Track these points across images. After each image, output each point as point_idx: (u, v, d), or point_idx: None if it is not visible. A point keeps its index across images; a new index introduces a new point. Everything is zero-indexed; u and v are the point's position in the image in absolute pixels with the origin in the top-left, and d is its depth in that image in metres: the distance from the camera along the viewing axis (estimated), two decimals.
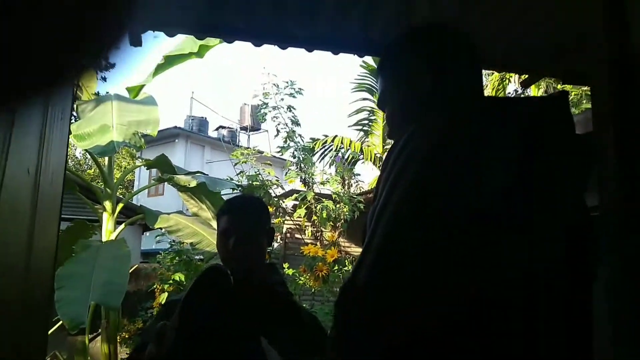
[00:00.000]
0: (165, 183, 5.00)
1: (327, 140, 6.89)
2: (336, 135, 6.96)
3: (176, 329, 1.03)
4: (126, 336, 4.79)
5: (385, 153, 0.78)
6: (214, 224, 4.92)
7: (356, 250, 5.13)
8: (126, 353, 4.56)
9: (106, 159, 4.67)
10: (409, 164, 0.67)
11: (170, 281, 4.47)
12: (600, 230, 0.91)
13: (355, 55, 2.21)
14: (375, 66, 5.22)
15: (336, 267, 4.57)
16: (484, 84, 0.86)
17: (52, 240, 1.15)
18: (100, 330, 4.32)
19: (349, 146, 6.95)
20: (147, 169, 6.85)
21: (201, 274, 1.10)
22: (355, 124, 7.70)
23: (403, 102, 0.85)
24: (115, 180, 4.85)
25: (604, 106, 0.97)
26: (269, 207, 4.90)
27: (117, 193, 4.82)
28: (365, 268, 0.66)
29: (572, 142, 0.75)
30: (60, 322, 3.21)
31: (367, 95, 7.32)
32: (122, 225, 4.63)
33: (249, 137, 16.79)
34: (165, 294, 4.42)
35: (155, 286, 4.80)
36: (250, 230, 1.28)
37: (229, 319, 1.08)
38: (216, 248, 1.31)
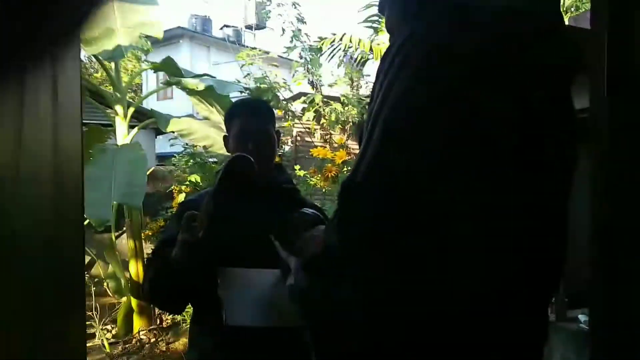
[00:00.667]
0: (174, 86, 5.01)
1: (335, 39, 6.68)
2: (344, 34, 6.71)
3: (209, 213, 1.13)
4: (149, 234, 5.11)
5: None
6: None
7: None
8: (151, 248, 4.90)
9: (113, 62, 4.64)
10: (405, 66, 0.72)
11: (187, 182, 4.67)
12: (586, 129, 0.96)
13: None
14: None
15: (345, 169, 4.70)
16: None
17: (77, 146, 1.24)
18: (125, 228, 4.61)
19: (358, 45, 6.74)
20: (154, 72, 6.78)
21: (229, 161, 1.18)
22: (365, 21, 7.39)
23: (400, 5, 0.87)
24: (124, 84, 4.86)
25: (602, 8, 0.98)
26: (277, 110, 4.94)
27: (127, 97, 4.85)
28: (364, 163, 0.74)
29: (560, 42, 0.79)
30: (87, 221, 3.45)
31: None
32: (135, 129, 4.72)
33: (254, 36, 16.23)
34: (183, 195, 4.64)
35: (172, 188, 5.02)
36: (265, 132, 1.33)
37: (251, 208, 1.19)
38: (228, 150, 1.37)
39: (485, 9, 0.77)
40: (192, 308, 1.41)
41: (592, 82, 0.99)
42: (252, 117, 1.34)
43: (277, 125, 1.45)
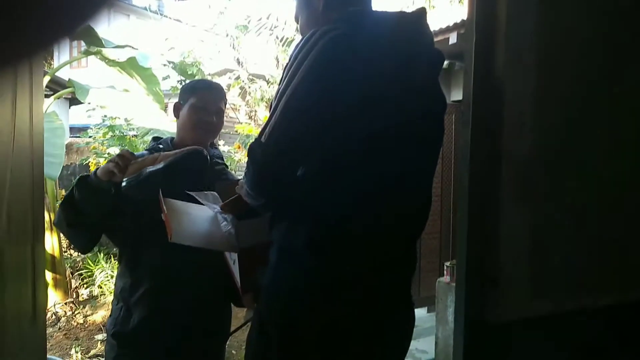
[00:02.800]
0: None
1: (261, 18, 6.73)
2: (270, 14, 6.79)
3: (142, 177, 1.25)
4: None
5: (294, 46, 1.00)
6: (147, 99, 4.92)
7: None
8: None
9: None
10: (309, 61, 0.90)
11: (106, 155, 4.58)
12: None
13: None
14: None
15: None
16: None
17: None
18: None
19: (285, 25, 6.85)
20: (70, 40, 6.43)
21: (186, 156, 1.27)
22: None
23: (306, 17, 1.07)
24: None
25: (471, 8, 1.22)
26: None
27: None
28: (263, 131, 0.91)
29: (430, 48, 1.02)
30: None
31: None
32: (51, 99, 4.54)
33: (177, 6, 15.66)
34: None
35: (90, 160, 4.89)
36: (221, 109, 1.47)
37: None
38: (185, 117, 1.45)
39: (370, 21, 0.98)
40: (117, 265, 1.51)
41: (465, 83, 1.25)
42: (214, 93, 1.47)
43: None
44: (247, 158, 0.95)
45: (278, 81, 1.22)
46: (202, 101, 1.43)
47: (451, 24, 3.69)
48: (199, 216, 1.16)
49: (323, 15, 1.02)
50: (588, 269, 1.40)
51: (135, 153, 1.33)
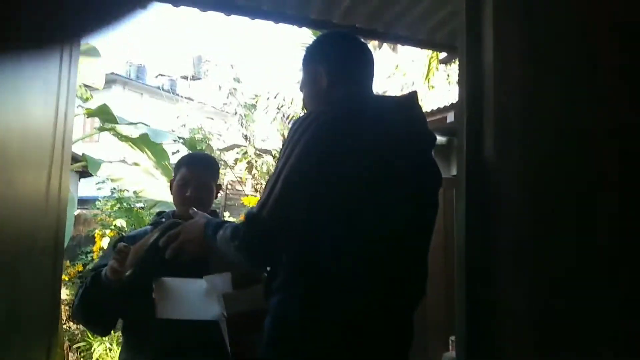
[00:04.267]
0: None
1: (269, 97, 7.06)
2: (278, 93, 7.14)
3: (140, 258, 1.30)
4: (66, 279, 4.94)
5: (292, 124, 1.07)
6: (155, 173, 5.06)
7: None
8: (66, 294, 4.73)
9: None
10: (305, 139, 0.96)
11: (112, 227, 4.64)
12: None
13: (294, 26, 2.48)
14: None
15: None
16: (373, 80, 1.18)
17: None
18: None
19: (291, 104, 7.16)
20: (87, 117, 6.73)
21: (167, 226, 1.36)
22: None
23: (309, 92, 1.16)
24: None
25: (461, 90, 1.32)
26: None
27: None
28: (262, 201, 0.96)
29: (421, 128, 1.10)
30: None
31: None
32: None
33: (189, 85, 16.43)
34: (107, 239, 4.60)
35: (95, 232, 4.94)
36: (205, 182, 1.53)
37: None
38: (173, 193, 1.54)
39: (367, 104, 1.06)
40: (122, 336, 1.52)
41: (458, 159, 1.32)
42: (195, 168, 1.54)
43: None
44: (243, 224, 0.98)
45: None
46: (183, 177, 1.51)
47: (448, 103, 3.88)
48: (186, 289, 1.21)
49: (326, 92, 1.11)
50: (596, 334, 1.39)
51: (139, 228, 1.39)
